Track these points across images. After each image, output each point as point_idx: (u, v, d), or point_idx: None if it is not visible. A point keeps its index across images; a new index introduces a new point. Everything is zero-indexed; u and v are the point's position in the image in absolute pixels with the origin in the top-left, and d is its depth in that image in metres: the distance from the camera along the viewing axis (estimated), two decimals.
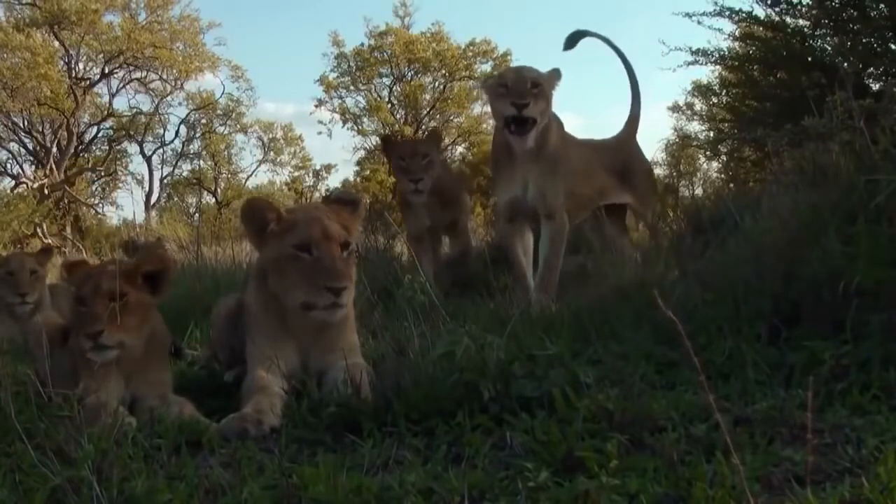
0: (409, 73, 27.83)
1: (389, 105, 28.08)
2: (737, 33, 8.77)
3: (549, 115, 4.45)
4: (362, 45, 27.65)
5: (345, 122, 28.27)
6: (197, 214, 27.93)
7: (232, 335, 3.24)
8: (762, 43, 8.25)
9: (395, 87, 28.14)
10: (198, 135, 28.16)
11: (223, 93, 27.60)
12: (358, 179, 28.58)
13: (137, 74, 25.44)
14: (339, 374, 2.67)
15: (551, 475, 1.79)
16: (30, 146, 25.21)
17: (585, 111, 43.99)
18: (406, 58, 27.11)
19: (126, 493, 1.82)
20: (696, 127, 20.41)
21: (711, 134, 13.53)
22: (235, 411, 2.52)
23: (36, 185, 21.74)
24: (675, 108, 22.16)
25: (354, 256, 2.93)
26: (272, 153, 29.73)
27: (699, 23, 8.06)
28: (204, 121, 28.20)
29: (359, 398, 2.46)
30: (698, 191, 22.52)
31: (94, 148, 27.02)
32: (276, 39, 43.68)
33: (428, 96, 27.98)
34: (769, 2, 7.61)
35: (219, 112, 27.88)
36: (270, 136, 29.53)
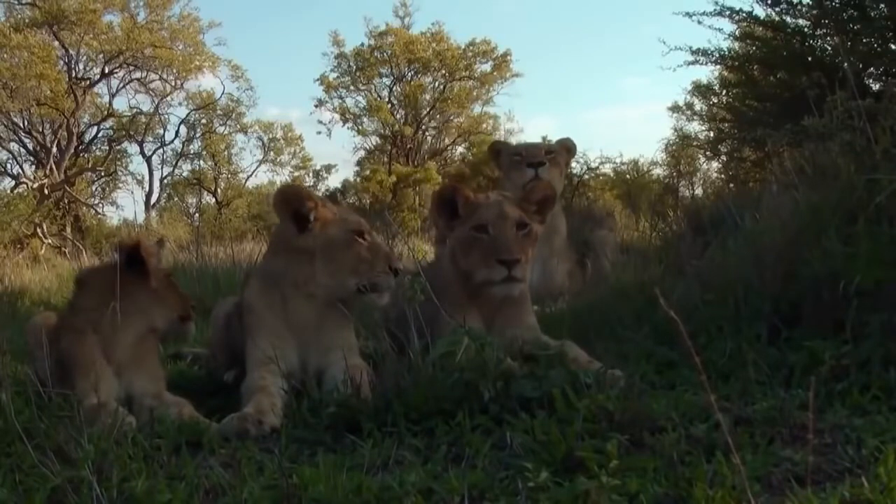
0: (409, 73, 27.82)
1: (389, 105, 28.06)
2: (737, 33, 8.77)
3: None
4: (362, 45, 27.67)
5: (345, 122, 28.29)
6: (197, 214, 27.97)
7: (231, 336, 3.24)
8: (762, 43, 8.25)
9: (395, 87, 28.13)
10: (198, 135, 28.11)
11: (223, 93, 27.58)
12: (358, 179, 28.57)
13: (137, 74, 25.38)
14: (339, 374, 2.68)
15: (551, 475, 1.79)
16: (30, 146, 25.17)
17: (562, 113, 43.99)
18: (406, 58, 27.08)
19: (126, 493, 1.82)
20: (696, 127, 20.43)
21: (711, 134, 13.56)
22: (235, 411, 2.52)
23: (36, 185, 21.69)
24: (675, 108, 22.11)
25: None
26: (272, 153, 29.71)
27: (699, 22, 8.06)
28: (204, 121, 28.15)
29: (359, 398, 2.46)
30: (698, 191, 22.51)
31: (94, 148, 26.97)
32: (277, 39, 43.77)
33: (428, 96, 27.96)
34: (769, 2, 7.60)
35: (219, 112, 27.85)
36: (270, 136, 29.52)
